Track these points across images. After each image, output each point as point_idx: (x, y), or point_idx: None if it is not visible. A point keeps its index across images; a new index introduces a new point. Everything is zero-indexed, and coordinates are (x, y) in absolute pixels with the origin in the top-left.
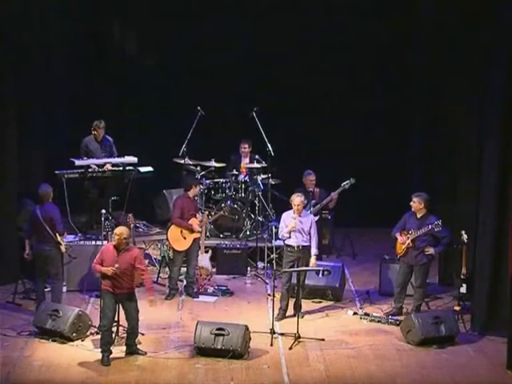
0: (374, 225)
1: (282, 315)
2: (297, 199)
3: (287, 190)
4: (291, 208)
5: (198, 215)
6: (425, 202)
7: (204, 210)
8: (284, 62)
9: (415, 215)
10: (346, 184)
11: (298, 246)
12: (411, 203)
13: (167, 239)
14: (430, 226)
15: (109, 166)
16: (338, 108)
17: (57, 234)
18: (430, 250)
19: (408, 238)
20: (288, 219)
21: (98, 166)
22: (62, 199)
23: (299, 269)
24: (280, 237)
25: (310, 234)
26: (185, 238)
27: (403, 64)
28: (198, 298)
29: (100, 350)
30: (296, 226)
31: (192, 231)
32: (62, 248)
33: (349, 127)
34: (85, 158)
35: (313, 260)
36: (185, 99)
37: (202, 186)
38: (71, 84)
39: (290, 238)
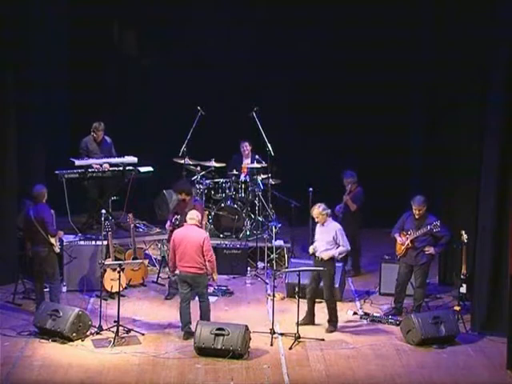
0: (374, 225)
1: (309, 320)
2: (313, 212)
3: (287, 190)
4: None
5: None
6: (426, 204)
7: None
8: (284, 61)
9: (414, 215)
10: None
11: (318, 257)
12: (415, 211)
13: None
14: (429, 227)
15: (107, 166)
16: (337, 108)
17: (48, 235)
18: (430, 250)
19: (407, 238)
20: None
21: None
22: (62, 199)
23: (299, 269)
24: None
25: (336, 243)
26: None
27: (403, 63)
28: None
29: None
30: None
31: None
32: (56, 249)
33: (349, 127)
34: (85, 158)
35: (320, 251)
36: (185, 99)
37: (201, 186)
38: (71, 84)
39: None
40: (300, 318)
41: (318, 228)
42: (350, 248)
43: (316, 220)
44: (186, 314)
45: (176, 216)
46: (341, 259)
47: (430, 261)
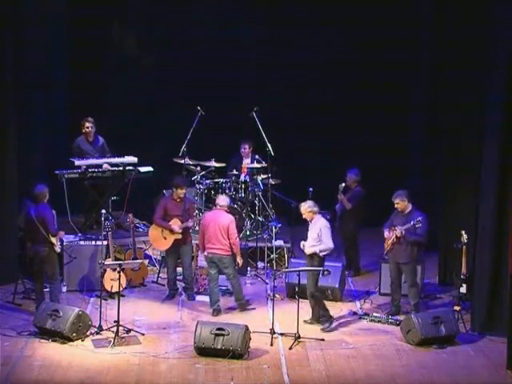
0: (374, 225)
1: (316, 319)
2: (300, 209)
3: (287, 190)
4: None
5: (177, 218)
6: (407, 198)
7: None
8: (284, 61)
9: (402, 211)
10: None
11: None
12: (396, 206)
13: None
14: (412, 223)
15: (107, 166)
16: (338, 108)
17: (49, 235)
18: (396, 231)
19: (393, 234)
20: None
21: (96, 166)
22: (62, 199)
23: (299, 269)
24: None
25: (320, 240)
26: (165, 238)
27: (404, 63)
28: (193, 299)
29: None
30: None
31: (172, 232)
32: (56, 248)
33: (349, 127)
34: (84, 159)
35: (306, 246)
36: (185, 99)
37: (201, 186)
38: (71, 84)
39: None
40: (306, 318)
41: (309, 225)
42: (332, 246)
43: (304, 217)
44: (215, 293)
45: (195, 219)
46: (344, 265)
47: (414, 259)
